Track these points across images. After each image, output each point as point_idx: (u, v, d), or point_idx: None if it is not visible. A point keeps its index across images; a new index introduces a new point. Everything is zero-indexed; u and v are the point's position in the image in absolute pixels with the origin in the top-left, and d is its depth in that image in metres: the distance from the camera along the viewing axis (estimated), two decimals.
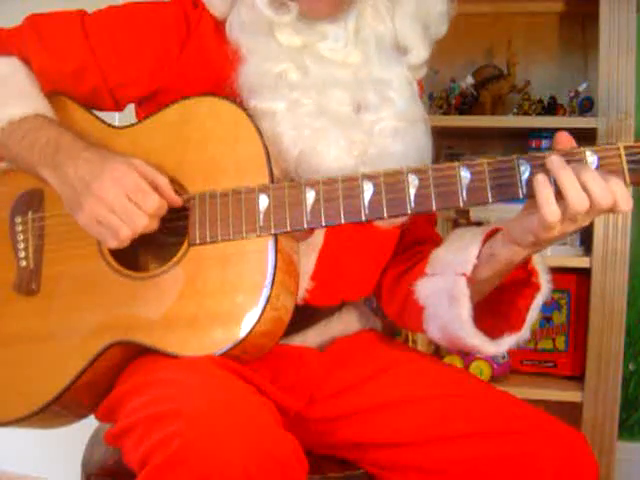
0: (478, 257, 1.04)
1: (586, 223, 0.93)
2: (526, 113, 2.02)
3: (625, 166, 0.90)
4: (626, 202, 0.88)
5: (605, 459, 1.86)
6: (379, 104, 1.11)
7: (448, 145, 2.14)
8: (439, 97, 2.09)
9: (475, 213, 1.95)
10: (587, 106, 1.98)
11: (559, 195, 0.90)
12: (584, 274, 1.93)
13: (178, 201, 1.04)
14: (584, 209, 0.89)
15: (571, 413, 1.88)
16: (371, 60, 1.13)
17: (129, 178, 1.01)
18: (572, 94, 2.01)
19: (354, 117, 1.10)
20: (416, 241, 1.23)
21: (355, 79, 1.12)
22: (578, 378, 1.95)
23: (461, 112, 2.06)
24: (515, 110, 2.05)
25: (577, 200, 0.88)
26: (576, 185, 0.88)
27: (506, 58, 2.06)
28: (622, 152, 0.91)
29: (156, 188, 1.02)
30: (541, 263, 1.06)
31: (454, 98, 2.08)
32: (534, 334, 2.02)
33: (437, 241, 1.22)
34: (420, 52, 1.16)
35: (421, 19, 1.14)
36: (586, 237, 1.96)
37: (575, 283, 1.98)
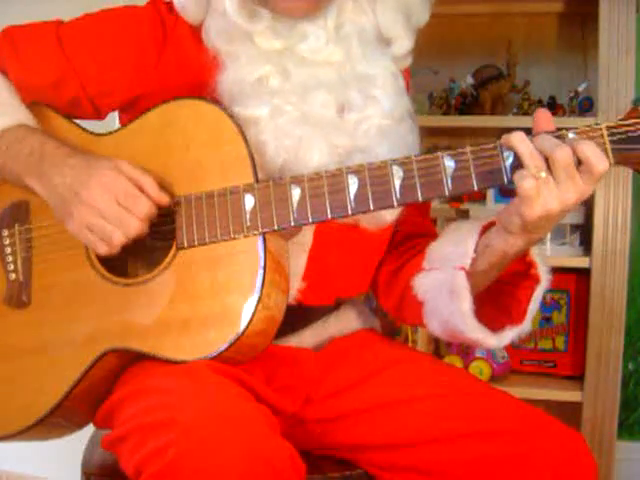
0: (475, 250, 1.04)
1: (570, 199, 0.91)
2: (526, 113, 2.02)
3: (608, 146, 0.90)
4: (599, 160, 0.88)
5: (605, 458, 1.86)
6: (363, 103, 1.10)
7: (448, 145, 2.14)
8: (439, 97, 2.08)
9: (475, 213, 1.95)
10: (587, 106, 1.98)
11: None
12: (584, 274, 1.92)
13: (165, 200, 1.04)
14: (540, 165, 0.89)
15: (571, 413, 1.88)
16: (354, 56, 1.11)
17: (117, 183, 1.00)
18: (572, 94, 2.01)
19: (337, 120, 1.09)
20: (411, 235, 1.23)
21: (338, 78, 1.10)
22: (578, 378, 1.95)
23: (461, 112, 2.06)
24: (515, 110, 2.05)
25: (531, 160, 0.90)
26: (529, 145, 0.91)
27: (506, 58, 2.06)
28: (604, 132, 0.91)
29: (141, 188, 1.02)
30: (539, 256, 1.06)
31: (454, 98, 2.08)
32: (534, 334, 2.02)
33: (433, 234, 1.21)
34: (404, 42, 1.15)
35: (403, 9, 1.13)
36: (586, 237, 1.96)
37: (575, 283, 1.98)
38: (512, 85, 2.05)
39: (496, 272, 1.05)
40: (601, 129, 0.91)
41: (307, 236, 1.12)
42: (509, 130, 2.15)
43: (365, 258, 1.21)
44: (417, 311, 1.12)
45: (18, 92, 1.14)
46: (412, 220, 1.20)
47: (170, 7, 1.16)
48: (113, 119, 1.24)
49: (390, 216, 1.12)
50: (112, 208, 1.00)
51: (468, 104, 2.07)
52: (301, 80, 1.09)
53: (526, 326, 1.06)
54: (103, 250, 1.02)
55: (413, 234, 1.23)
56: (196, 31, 1.14)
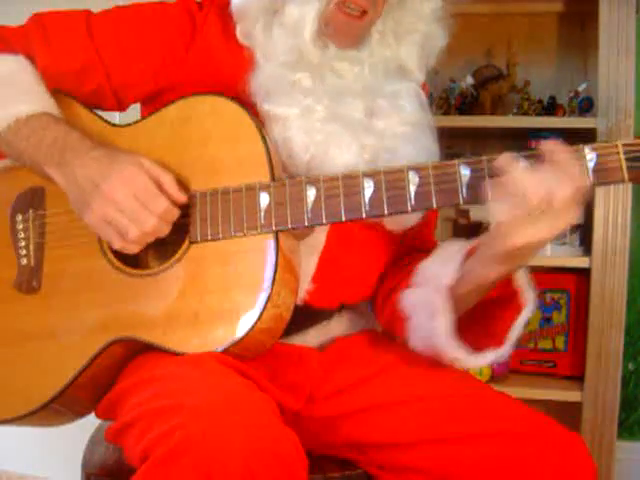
0: (460, 271, 1.04)
1: (557, 229, 0.92)
2: (526, 113, 2.02)
3: (623, 163, 0.92)
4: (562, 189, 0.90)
5: (605, 458, 1.86)
6: (390, 110, 1.13)
7: (448, 145, 2.14)
8: (439, 97, 2.09)
9: (475, 213, 1.95)
10: (587, 106, 1.98)
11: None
12: (584, 274, 1.93)
13: (182, 198, 1.05)
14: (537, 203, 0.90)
15: (571, 413, 1.88)
16: (380, 79, 1.15)
17: (138, 179, 1.01)
18: (572, 94, 2.01)
19: (366, 122, 1.12)
20: (413, 249, 1.24)
21: (367, 91, 1.13)
22: (578, 378, 1.95)
23: (461, 112, 2.07)
24: (515, 110, 2.05)
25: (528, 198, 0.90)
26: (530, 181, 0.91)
27: (506, 58, 2.06)
28: (620, 150, 0.93)
29: (161, 186, 1.03)
30: (526, 282, 1.06)
31: (454, 98, 2.08)
32: (534, 334, 2.02)
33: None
34: (419, 76, 1.19)
35: (424, 50, 1.18)
36: (586, 237, 1.96)
37: (575, 283, 1.98)
38: (512, 85, 2.05)
39: (479, 295, 1.06)
40: (617, 146, 0.93)
41: (320, 238, 1.13)
42: (509, 130, 2.15)
43: (375, 262, 1.21)
44: (403, 326, 1.12)
45: (44, 79, 1.14)
46: (417, 233, 1.20)
47: (200, 5, 1.18)
48: (133, 111, 1.24)
49: (415, 217, 1.13)
50: (130, 203, 1.00)
51: (468, 104, 2.07)
52: (334, 85, 1.12)
53: (505, 350, 1.06)
54: (119, 244, 1.03)
55: (415, 248, 1.23)
56: (226, 29, 1.15)
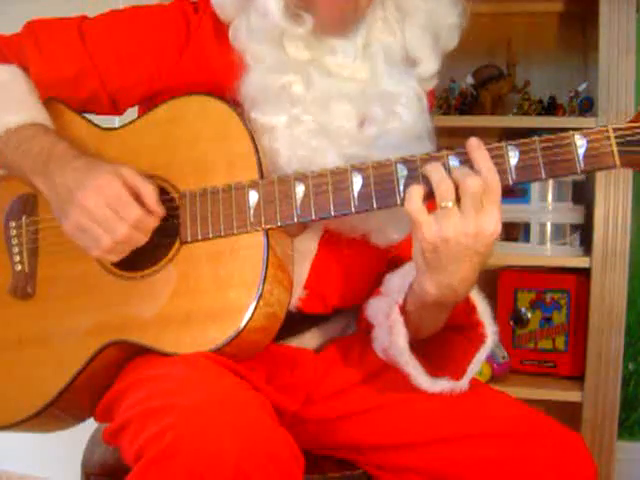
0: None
1: (469, 229, 0.89)
2: (526, 113, 2.01)
3: (614, 148, 0.90)
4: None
5: (605, 459, 1.85)
6: (385, 118, 1.10)
7: (448, 145, 2.13)
8: (439, 97, 2.08)
9: None
10: (587, 106, 1.98)
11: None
12: (584, 274, 1.92)
13: (161, 212, 1.04)
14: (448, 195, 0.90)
15: (571, 413, 1.88)
16: (379, 74, 1.12)
17: (111, 187, 1.01)
18: (572, 94, 2.01)
19: (356, 133, 1.10)
20: (399, 261, 1.22)
21: (362, 93, 1.11)
22: (578, 378, 1.94)
23: (461, 112, 2.06)
24: (515, 110, 2.04)
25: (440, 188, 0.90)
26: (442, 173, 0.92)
27: (506, 58, 2.06)
28: (611, 134, 0.91)
29: (139, 196, 1.02)
30: (488, 317, 1.05)
31: (454, 98, 2.08)
32: (534, 334, 2.02)
33: None
34: (430, 64, 1.14)
35: (432, 31, 1.13)
36: (586, 237, 1.96)
37: (575, 283, 1.98)
38: (512, 85, 2.05)
39: (432, 317, 1.03)
40: (608, 131, 0.91)
41: (312, 245, 1.12)
42: (509, 130, 2.14)
43: (367, 269, 1.20)
44: (369, 334, 1.11)
45: (37, 88, 1.14)
46: (406, 246, 1.20)
47: (195, 7, 1.17)
48: (132, 115, 1.24)
49: (401, 234, 1.11)
50: (101, 211, 1.00)
51: (468, 104, 2.07)
52: (324, 90, 1.09)
53: (463, 384, 1.04)
54: (94, 253, 1.03)
55: (401, 259, 1.22)
56: (220, 32, 1.14)
